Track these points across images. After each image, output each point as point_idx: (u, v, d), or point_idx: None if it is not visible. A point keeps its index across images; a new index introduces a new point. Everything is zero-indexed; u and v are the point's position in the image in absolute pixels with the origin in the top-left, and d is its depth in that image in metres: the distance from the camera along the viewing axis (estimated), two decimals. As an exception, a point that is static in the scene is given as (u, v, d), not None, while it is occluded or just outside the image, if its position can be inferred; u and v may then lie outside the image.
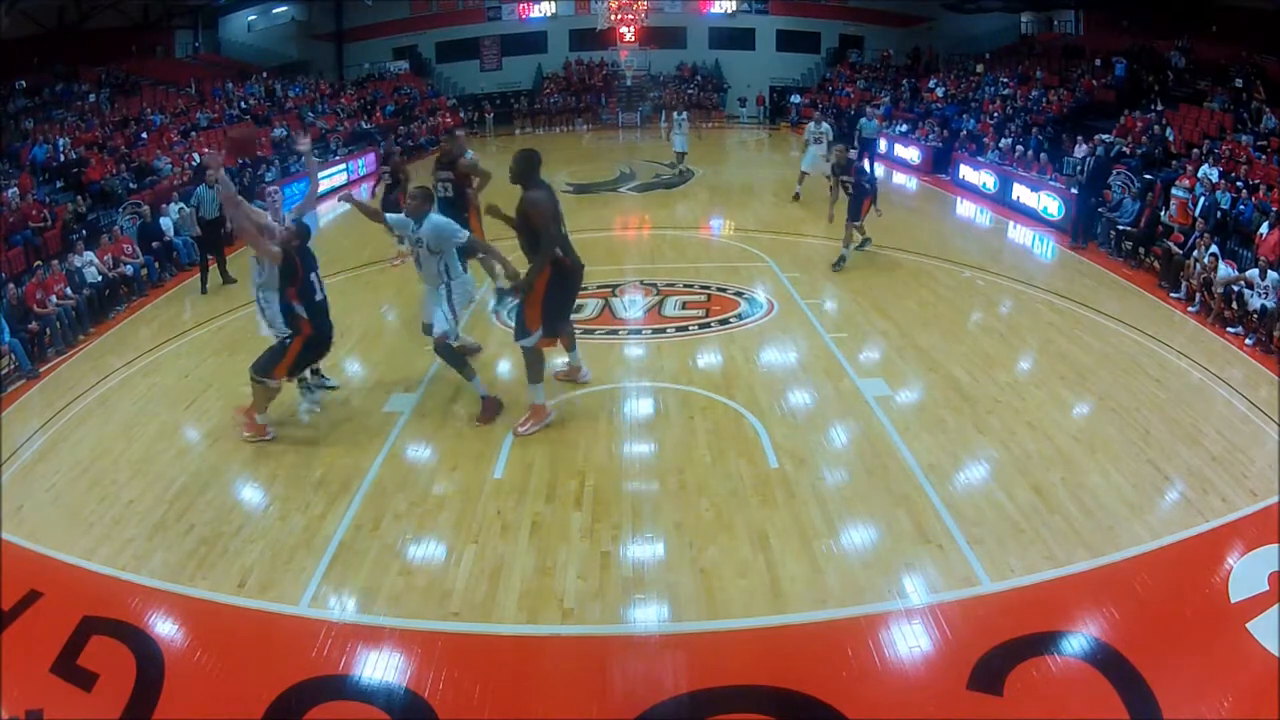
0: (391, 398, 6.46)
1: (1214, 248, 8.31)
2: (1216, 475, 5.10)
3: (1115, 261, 10.25)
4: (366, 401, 6.45)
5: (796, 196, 13.87)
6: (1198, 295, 8.44)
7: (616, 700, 3.50)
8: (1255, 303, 7.57)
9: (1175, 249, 9.17)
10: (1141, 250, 10.11)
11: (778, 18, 27.85)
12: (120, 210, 11.79)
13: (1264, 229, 8.50)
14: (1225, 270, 8.06)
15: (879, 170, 16.64)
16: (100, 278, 9.46)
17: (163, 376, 7.36)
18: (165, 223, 11.50)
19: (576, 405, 6.21)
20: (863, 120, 16.95)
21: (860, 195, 9.75)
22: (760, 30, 27.93)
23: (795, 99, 26.20)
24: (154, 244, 10.99)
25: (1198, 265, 8.53)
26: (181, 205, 12.18)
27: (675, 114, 17.93)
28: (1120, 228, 10.57)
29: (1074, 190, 11.74)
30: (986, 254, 10.73)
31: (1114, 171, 11.42)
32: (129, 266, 10.02)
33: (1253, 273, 7.78)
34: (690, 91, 27.11)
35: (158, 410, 6.61)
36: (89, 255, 9.59)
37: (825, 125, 14.39)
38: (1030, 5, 23.61)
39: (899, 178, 17.33)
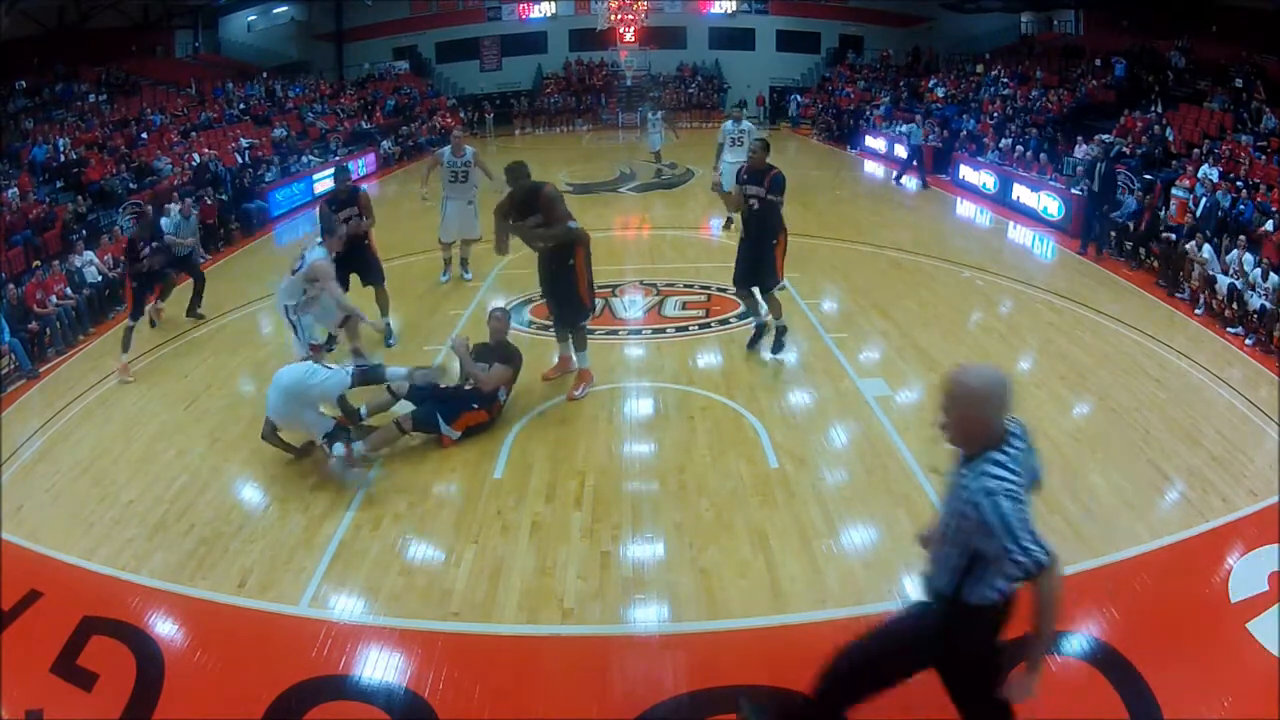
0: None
1: (1250, 257, 8.10)
2: (1216, 475, 5.10)
3: (1115, 261, 10.25)
4: (368, 401, 6.43)
5: (728, 223, 11.19)
6: (1201, 297, 8.45)
7: (616, 700, 3.50)
8: (1255, 303, 7.57)
9: (1183, 244, 9.12)
10: (1142, 250, 10.11)
11: (778, 18, 27.87)
12: (120, 210, 11.80)
13: (1269, 226, 8.48)
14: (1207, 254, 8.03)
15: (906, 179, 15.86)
16: (100, 278, 9.46)
17: (163, 376, 7.36)
18: (165, 223, 11.47)
19: (577, 405, 6.21)
20: (911, 126, 16.41)
21: (773, 229, 6.58)
22: (760, 30, 27.95)
23: (796, 99, 26.22)
24: (154, 243, 10.98)
25: (1196, 265, 8.53)
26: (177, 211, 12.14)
27: (650, 114, 17.27)
28: (1118, 220, 10.55)
29: (1074, 191, 11.74)
30: (986, 254, 10.73)
31: (1116, 171, 11.43)
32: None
33: (1255, 273, 7.77)
34: (690, 92, 27.13)
35: (158, 410, 6.61)
36: (89, 255, 9.59)
37: (746, 124, 11.43)
38: (1030, 5, 23.62)
39: (899, 178, 17.31)
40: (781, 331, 6.87)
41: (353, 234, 7.51)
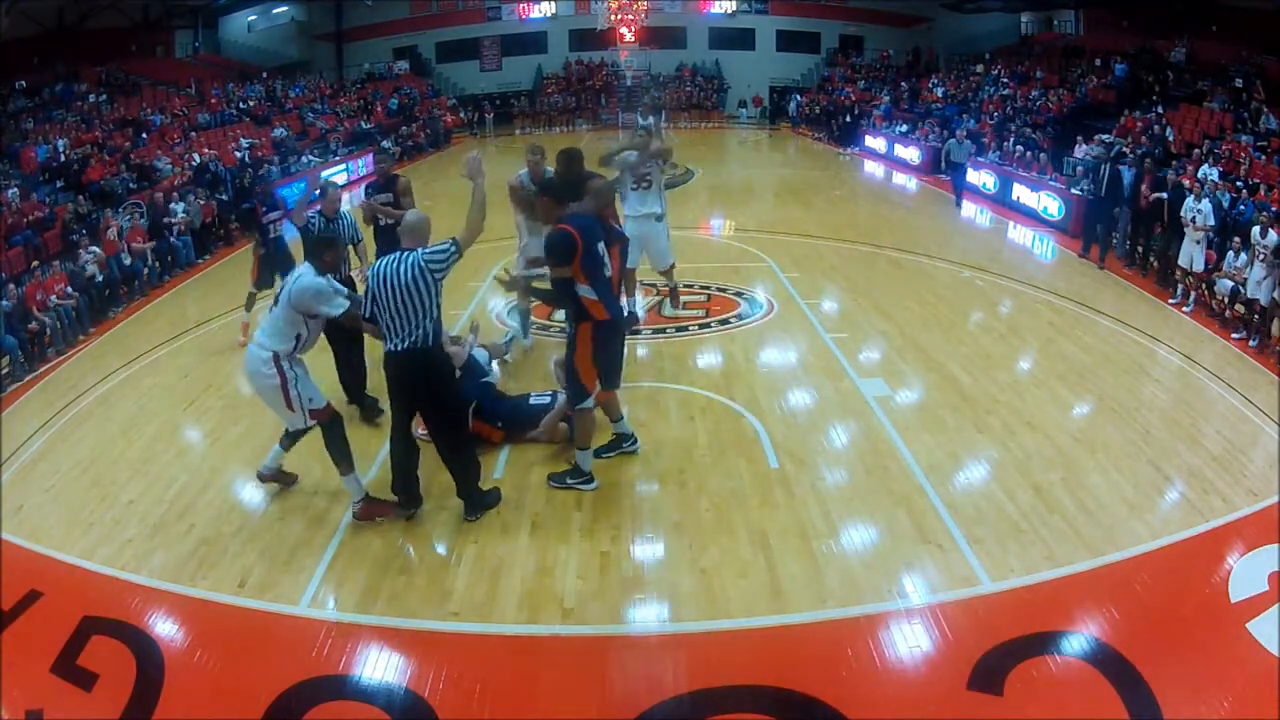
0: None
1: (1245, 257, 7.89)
2: (1216, 475, 5.10)
3: (1117, 262, 10.24)
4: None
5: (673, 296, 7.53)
6: (1192, 294, 8.45)
7: (616, 700, 3.50)
8: (1255, 292, 7.47)
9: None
10: (1140, 250, 10.09)
11: (778, 18, 27.91)
12: (120, 210, 11.78)
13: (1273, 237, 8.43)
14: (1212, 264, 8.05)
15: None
16: (100, 278, 9.43)
17: (163, 376, 7.35)
18: (175, 208, 11.38)
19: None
20: (951, 141, 14.87)
21: (573, 315, 4.85)
22: (760, 30, 27.98)
23: (796, 99, 26.23)
24: (164, 230, 10.93)
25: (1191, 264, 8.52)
26: (185, 203, 12.12)
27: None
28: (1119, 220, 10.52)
29: (1074, 191, 11.71)
30: (986, 254, 10.73)
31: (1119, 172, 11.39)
32: (138, 262, 10.01)
33: (1257, 233, 7.72)
34: (689, 90, 27.15)
35: (158, 410, 6.61)
36: (95, 250, 9.55)
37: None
38: (1030, 5, 23.63)
39: (899, 178, 17.34)
40: (573, 474, 5.02)
41: (382, 223, 6.50)
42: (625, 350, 5.15)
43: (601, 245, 4.78)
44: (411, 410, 4.62)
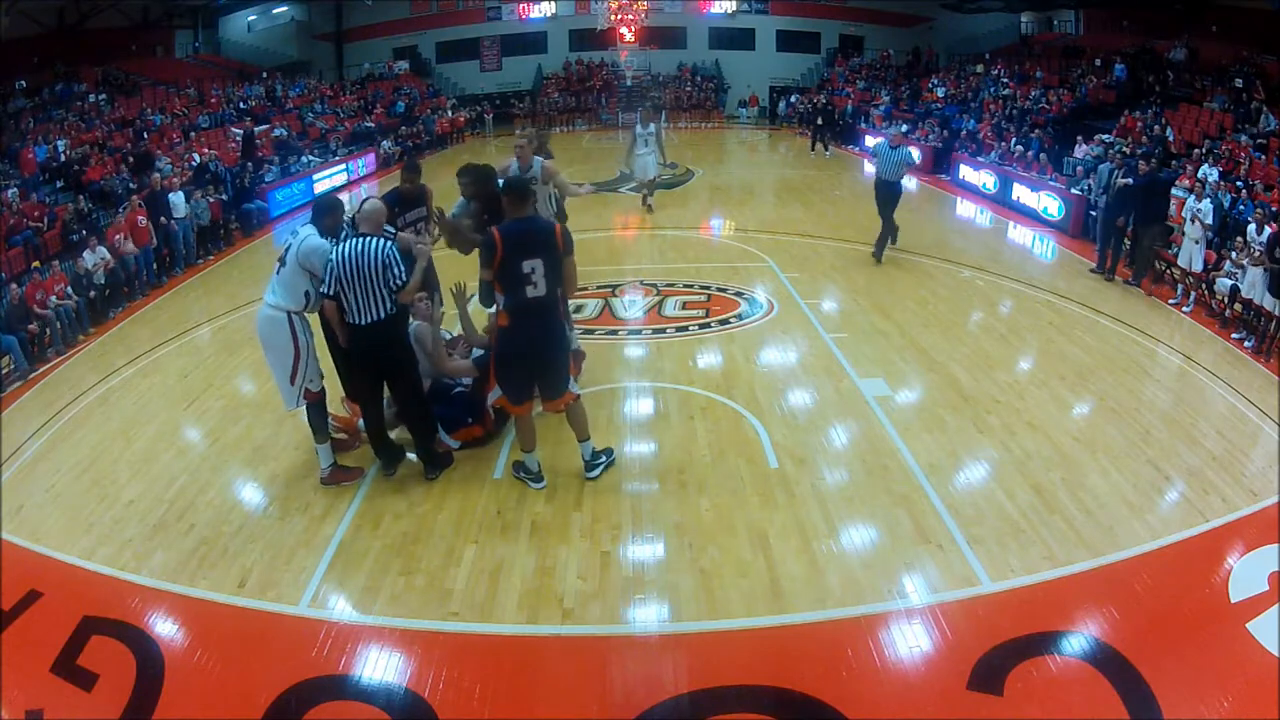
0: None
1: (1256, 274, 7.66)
2: (1216, 475, 5.10)
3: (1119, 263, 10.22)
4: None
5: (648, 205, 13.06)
6: (1192, 294, 8.45)
7: (616, 700, 3.50)
8: (1250, 292, 7.48)
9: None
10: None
11: (778, 18, 27.92)
12: (121, 210, 11.77)
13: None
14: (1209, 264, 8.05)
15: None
16: (104, 279, 9.41)
17: (163, 376, 7.36)
18: (175, 199, 11.26)
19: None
20: (879, 143, 11.05)
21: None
22: (760, 30, 27.99)
23: (793, 99, 26.23)
24: (160, 218, 10.83)
25: (1191, 264, 8.53)
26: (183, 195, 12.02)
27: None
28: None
29: (1074, 191, 11.71)
30: (986, 254, 10.73)
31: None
32: (139, 258, 9.98)
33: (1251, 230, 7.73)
34: (689, 91, 27.14)
35: (158, 410, 6.61)
36: (102, 251, 9.51)
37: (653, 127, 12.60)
38: (1030, 5, 23.65)
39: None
40: (525, 469, 5.10)
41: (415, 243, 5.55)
42: (538, 376, 4.83)
43: (532, 263, 4.45)
44: (379, 376, 4.98)
